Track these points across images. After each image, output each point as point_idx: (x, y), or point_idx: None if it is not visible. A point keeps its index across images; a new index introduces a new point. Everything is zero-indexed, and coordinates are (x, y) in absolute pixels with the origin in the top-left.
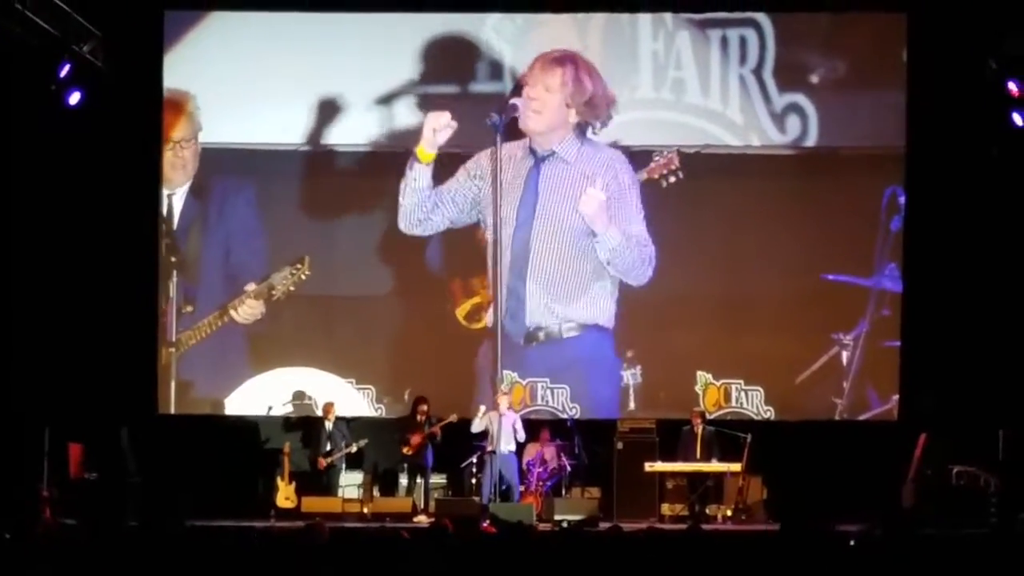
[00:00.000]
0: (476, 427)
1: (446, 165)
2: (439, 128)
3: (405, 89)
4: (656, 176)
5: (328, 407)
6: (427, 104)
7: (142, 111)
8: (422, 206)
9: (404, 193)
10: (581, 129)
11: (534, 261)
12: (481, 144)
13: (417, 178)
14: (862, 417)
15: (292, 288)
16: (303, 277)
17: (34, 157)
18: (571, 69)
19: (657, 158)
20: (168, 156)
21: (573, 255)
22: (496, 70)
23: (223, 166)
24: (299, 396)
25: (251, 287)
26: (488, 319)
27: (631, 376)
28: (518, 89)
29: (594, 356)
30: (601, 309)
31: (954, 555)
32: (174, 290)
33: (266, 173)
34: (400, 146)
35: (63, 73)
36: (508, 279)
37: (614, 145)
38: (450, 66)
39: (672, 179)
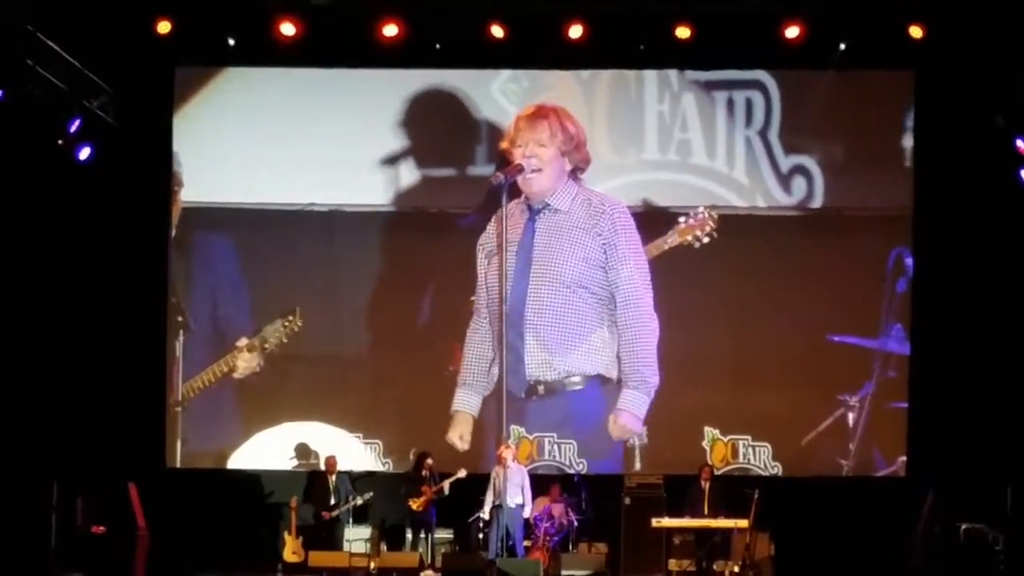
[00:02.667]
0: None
1: (446, 227)
2: (464, 435)
3: (407, 151)
4: (689, 237)
5: (330, 461)
6: (429, 166)
7: (151, 166)
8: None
9: None
10: (575, 176)
11: (530, 315)
12: (479, 202)
13: None
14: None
15: (285, 340)
16: (295, 329)
17: (43, 212)
18: (554, 118)
19: (688, 219)
20: None
21: (570, 306)
22: (502, 132)
23: (205, 222)
24: (304, 450)
25: (243, 341)
26: (494, 374)
27: (637, 438)
28: (506, 156)
29: (596, 410)
30: (602, 359)
31: None
32: (180, 349)
33: (257, 229)
34: (406, 206)
35: (73, 128)
36: (507, 335)
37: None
38: (455, 127)
39: (706, 239)
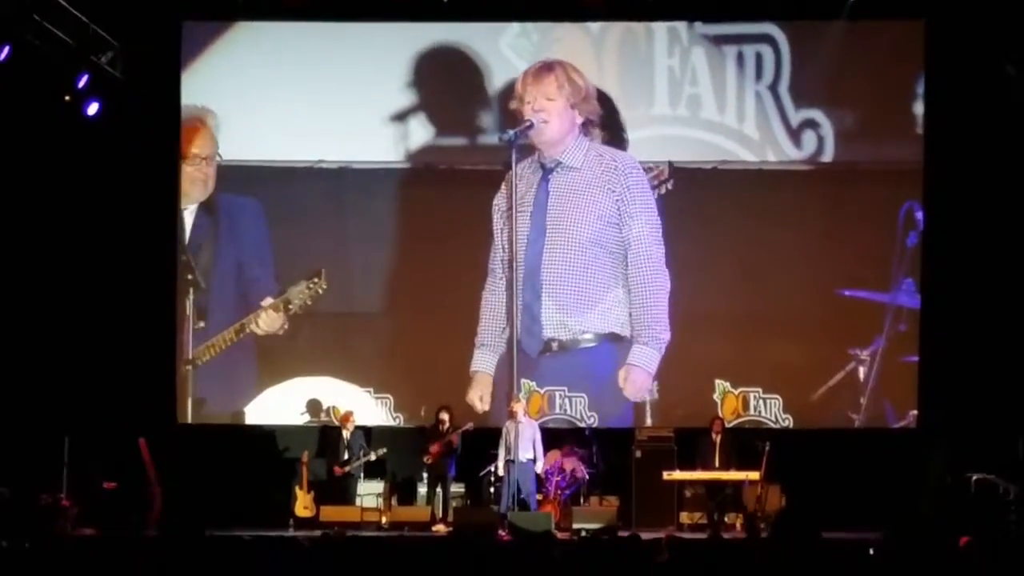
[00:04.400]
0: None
1: (460, 183)
2: (484, 396)
3: (417, 107)
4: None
5: (346, 416)
6: (439, 122)
7: (160, 122)
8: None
9: None
10: (586, 130)
11: (546, 275)
12: (491, 160)
13: None
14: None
15: (309, 302)
16: (320, 291)
17: (52, 168)
18: (560, 71)
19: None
20: (190, 171)
21: (585, 265)
22: (512, 87)
23: (233, 182)
24: (316, 405)
25: (268, 301)
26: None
27: (647, 392)
28: (517, 115)
29: (609, 367)
30: (616, 318)
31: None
32: (190, 308)
33: (276, 188)
34: (417, 162)
35: (81, 84)
36: (522, 295)
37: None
38: (465, 83)
39: (663, 190)
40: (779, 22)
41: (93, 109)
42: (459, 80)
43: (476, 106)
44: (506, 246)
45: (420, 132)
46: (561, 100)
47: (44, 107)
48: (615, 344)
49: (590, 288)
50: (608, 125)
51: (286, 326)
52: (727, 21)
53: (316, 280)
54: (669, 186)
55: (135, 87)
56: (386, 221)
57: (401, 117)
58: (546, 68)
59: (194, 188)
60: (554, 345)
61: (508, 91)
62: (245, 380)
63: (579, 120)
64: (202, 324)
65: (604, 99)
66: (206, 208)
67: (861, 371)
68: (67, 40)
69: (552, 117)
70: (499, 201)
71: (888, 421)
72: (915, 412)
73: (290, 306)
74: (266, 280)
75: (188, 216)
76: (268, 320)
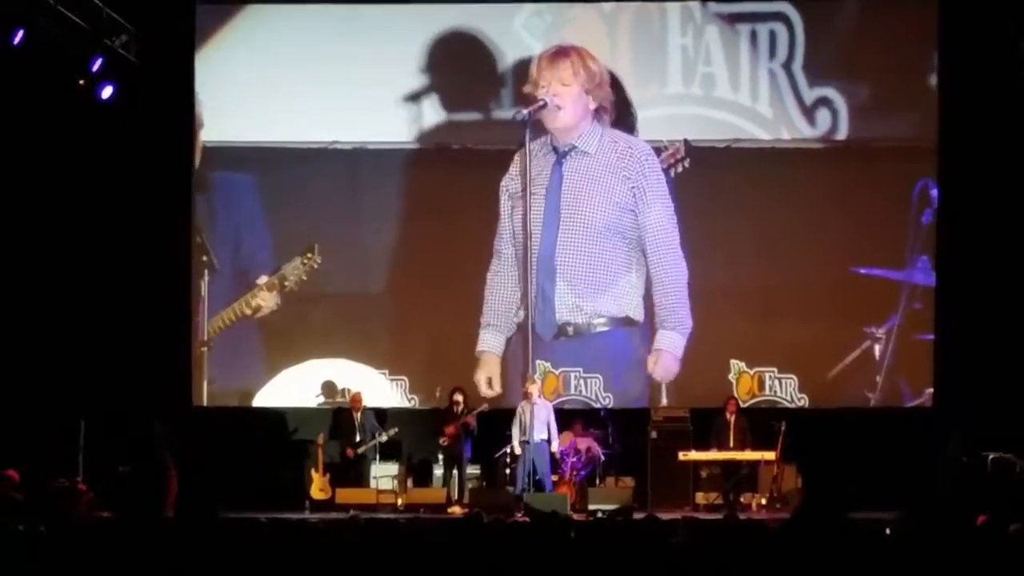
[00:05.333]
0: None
1: (473, 164)
2: (493, 377)
3: (431, 88)
4: (665, 167)
5: (356, 397)
6: (453, 102)
7: (174, 105)
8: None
9: None
10: (599, 116)
11: (561, 259)
12: (504, 140)
13: None
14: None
15: (304, 277)
16: (315, 266)
17: (67, 152)
18: (576, 57)
19: (664, 152)
20: None
21: (600, 250)
22: (526, 67)
23: (227, 161)
24: (331, 387)
25: (263, 279)
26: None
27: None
28: (531, 98)
29: (623, 351)
30: (630, 302)
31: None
32: (205, 289)
33: (290, 169)
34: (430, 142)
35: (95, 67)
36: (537, 279)
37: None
38: (478, 63)
39: (679, 168)
40: (793, 1)
41: (107, 93)
42: (472, 60)
43: (489, 86)
44: (518, 229)
45: (433, 113)
46: (576, 86)
47: (58, 91)
48: (629, 328)
49: (604, 273)
50: (618, 105)
51: (279, 302)
52: (740, 0)
53: (310, 255)
54: (685, 164)
55: (149, 70)
56: (401, 201)
57: (414, 98)
58: (561, 53)
59: None
60: (569, 329)
61: (522, 71)
62: (260, 362)
63: (592, 106)
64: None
65: (614, 79)
66: (199, 187)
67: (877, 349)
68: (81, 24)
69: (566, 103)
70: (507, 183)
71: (904, 399)
72: (931, 390)
73: (286, 283)
74: (262, 256)
75: None
76: (263, 299)
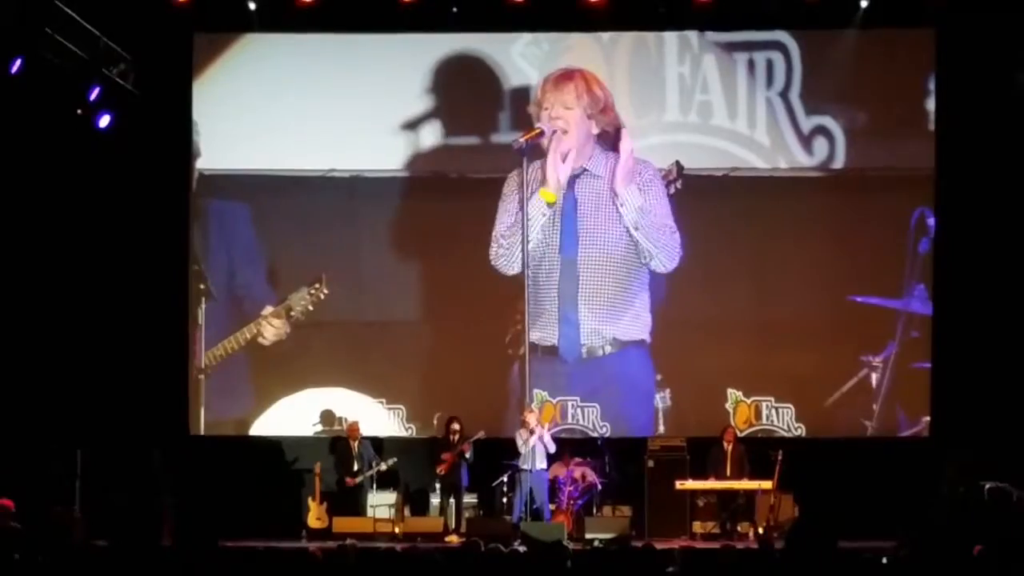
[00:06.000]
0: (522, 447)
1: (471, 192)
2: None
3: (429, 116)
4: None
5: (353, 427)
6: (450, 130)
7: (171, 134)
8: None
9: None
10: (603, 141)
11: (584, 284)
12: (502, 168)
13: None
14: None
15: (311, 308)
16: (322, 296)
17: (65, 180)
18: (580, 81)
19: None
20: None
21: (619, 271)
22: (523, 95)
23: (224, 189)
24: (329, 416)
25: (268, 309)
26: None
27: (660, 399)
28: (533, 119)
29: (633, 372)
30: (643, 323)
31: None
32: (202, 317)
33: (286, 197)
34: (427, 170)
35: (93, 96)
36: (560, 304)
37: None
38: (476, 91)
39: (671, 189)
40: (791, 31)
41: (105, 122)
42: (470, 89)
43: (487, 115)
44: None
45: (431, 141)
46: (579, 110)
47: (56, 120)
48: (641, 349)
49: (623, 296)
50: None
51: (288, 331)
52: (738, 30)
53: (317, 286)
54: (678, 185)
55: (147, 99)
56: (398, 230)
57: (412, 126)
58: (566, 77)
59: None
60: (583, 351)
61: (520, 99)
62: (256, 391)
63: (595, 131)
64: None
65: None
66: (195, 215)
67: (874, 377)
68: (79, 53)
69: (570, 126)
70: (513, 184)
71: (900, 427)
72: (927, 418)
73: (292, 313)
74: (258, 284)
75: None
76: (273, 329)
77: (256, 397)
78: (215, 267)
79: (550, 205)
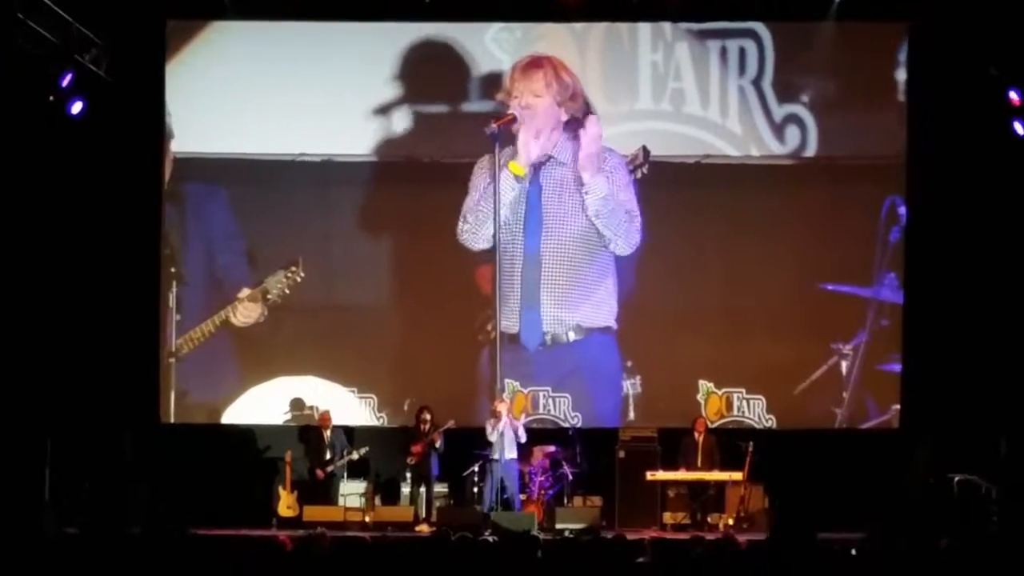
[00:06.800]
0: (491, 435)
1: (442, 177)
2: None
3: (401, 101)
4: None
5: (324, 416)
6: (423, 115)
7: (143, 120)
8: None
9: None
10: (571, 128)
11: (546, 272)
12: (474, 153)
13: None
14: (862, 427)
15: (287, 291)
16: (298, 279)
17: (36, 166)
18: (549, 68)
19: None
20: None
21: (582, 258)
22: (495, 80)
23: (198, 173)
24: (299, 405)
25: (245, 292)
26: (500, 326)
27: (631, 386)
28: (503, 106)
29: (599, 360)
30: (609, 310)
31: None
32: (173, 301)
33: (258, 182)
34: (399, 155)
35: (65, 83)
36: (523, 292)
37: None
38: (448, 76)
39: (638, 174)
40: (765, 22)
41: (77, 108)
42: (442, 73)
43: (460, 100)
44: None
45: (402, 125)
46: (548, 97)
47: (28, 106)
48: (606, 336)
49: (586, 281)
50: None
51: (265, 314)
52: (711, 21)
53: (294, 269)
54: (644, 170)
55: (119, 85)
56: (369, 215)
57: (383, 111)
58: (535, 64)
59: None
60: (548, 339)
61: (492, 84)
62: (229, 377)
63: (564, 118)
64: (178, 317)
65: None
66: (170, 199)
67: (844, 365)
68: (51, 39)
69: (538, 113)
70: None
71: (870, 415)
72: (897, 407)
73: (268, 296)
74: (238, 267)
75: None
76: (246, 311)
77: (228, 383)
78: (192, 250)
79: (519, 179)
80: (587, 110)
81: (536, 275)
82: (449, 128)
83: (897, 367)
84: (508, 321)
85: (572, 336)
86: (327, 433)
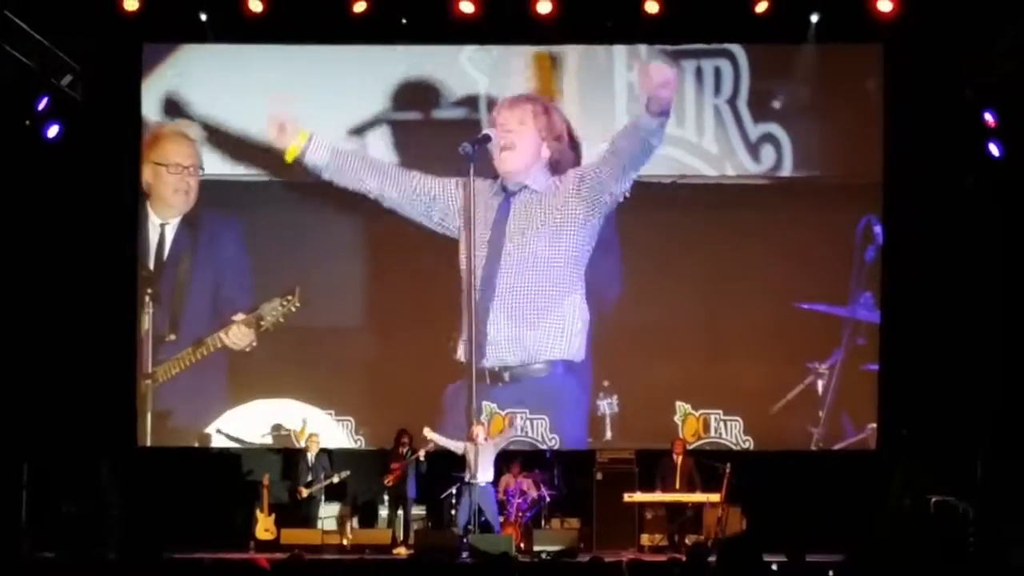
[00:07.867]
0: (459, 449)
1: None
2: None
3: (375, 123)
4: None
5: (312, 438)
6: (401, 132)
7: (120, 143)
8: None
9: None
10: (553, 166)
11: (501, 296)
12: (451, 175)
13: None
14: (837, 446)
15: (282, 320)
16: (293, 309)
17: (12, 190)
18: (538, 104)
19: None
20: (173, 180)
21: (542, 287)
22: (471, 100)
23: (212, 198)
24: (277, 428)
25: (239, 316)
26: (461, 353)
27: (607, 405)
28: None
29: (560, 390)
30: (570, 343)
31: None
32: (149, 323)
33: (251, 205)
34: None
35: (41, 107)
36: (487, 320)
37: None
38: (425, 95)
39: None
40: (741, 44)
41: (53, 132)
42: (418, 95)
43: (435, 121)
44: (461, 264)
45: (378, 148)
46: (532, 128)
47: (4, 130)
48: (568, 371)
49: (547, 310)
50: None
51: (255, 343)
52: (687, 43)
53: (290, 298)
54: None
55: (95, 109)
56: (346, 239)
57: (358, 132)
58: (526, 99)
59: (177, 198)
60: (506, 375)
61: (468, 104)
62: (211, 399)
63: (546, 154)
64: (173, 337)
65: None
66: (188, 222)
67: (820, 384)
68: (27, 63)
69: (519, 141)
70: (442, 185)
71: (846, 435)
72: (873, 425)
73: (262, 322)
74: (242, 299)
75: (170, 231)
76: (238, 334)
77: (209, 405)
78: (197, 273)
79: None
80: (575, 159)
81: (499, 303)
82: (425, 149)
83: (873, 384)
84: (465, 348)
85: (533, 371)
86: (310, 456)
